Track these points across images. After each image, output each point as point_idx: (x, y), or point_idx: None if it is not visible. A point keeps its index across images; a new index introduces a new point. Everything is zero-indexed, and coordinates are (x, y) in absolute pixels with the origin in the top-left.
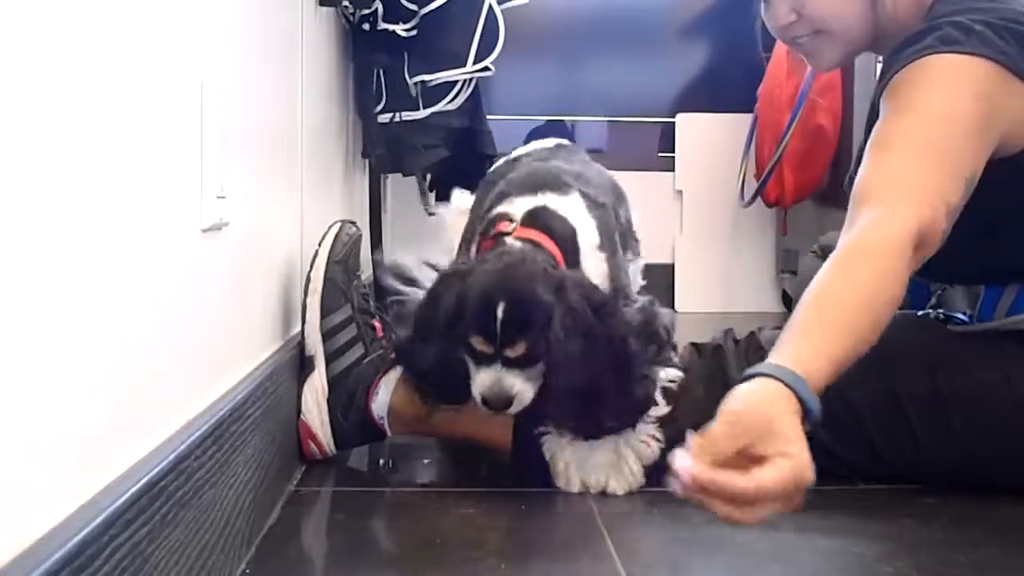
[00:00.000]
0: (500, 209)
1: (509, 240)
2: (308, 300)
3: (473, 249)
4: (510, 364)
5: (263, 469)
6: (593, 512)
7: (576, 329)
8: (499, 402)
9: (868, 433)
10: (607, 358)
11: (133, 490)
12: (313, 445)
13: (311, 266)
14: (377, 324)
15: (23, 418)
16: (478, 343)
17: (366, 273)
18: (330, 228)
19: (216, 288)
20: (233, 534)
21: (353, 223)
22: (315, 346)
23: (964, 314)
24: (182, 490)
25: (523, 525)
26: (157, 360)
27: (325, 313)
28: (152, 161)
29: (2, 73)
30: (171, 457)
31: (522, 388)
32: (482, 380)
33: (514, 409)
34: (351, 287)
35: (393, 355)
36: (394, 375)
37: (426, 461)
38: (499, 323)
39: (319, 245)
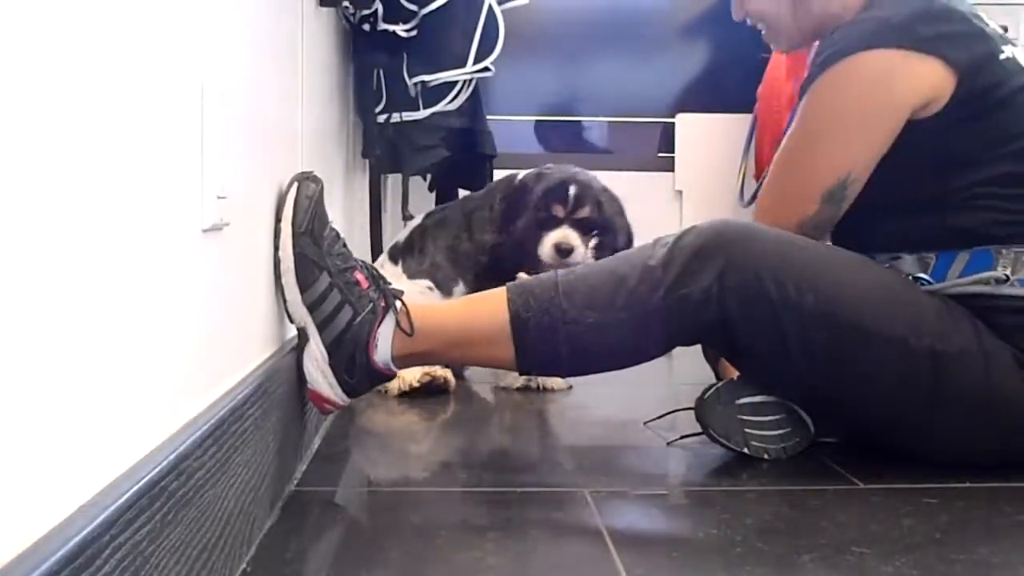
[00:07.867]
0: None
1: None
2: (283, 280)
3: None
4: (574, 225)
5: (263, 469)
6: (593, 512)
7: (615, 208)
8: (565, 248)
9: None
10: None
11: (134, 490)
12: (327, 405)
13: (276, 245)
14: (359, 276)
15: (23, 418)
16: (555, 208)
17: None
18: (288, 192)
19: (216, 288)
20: (234, 533)
21: (309, 176)
22: (303, 319)
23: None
24: (183, 490)
25: (523, 525)
26: (157, 360)
27: (303, 288)
28: (153, 162)
29: (2, 73)
30: (172, 457)
31: (579, 243)
32: (555, 234)
33: (574, 258)
34: (323, 254)
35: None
36: (389, 324)
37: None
38: (571, 196)
39: (279, 221)
